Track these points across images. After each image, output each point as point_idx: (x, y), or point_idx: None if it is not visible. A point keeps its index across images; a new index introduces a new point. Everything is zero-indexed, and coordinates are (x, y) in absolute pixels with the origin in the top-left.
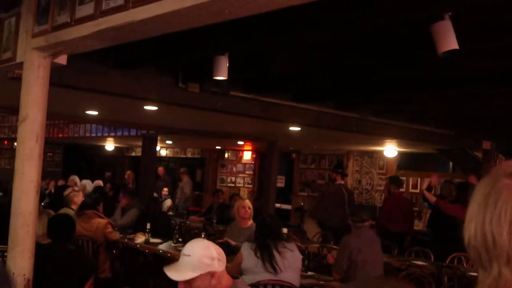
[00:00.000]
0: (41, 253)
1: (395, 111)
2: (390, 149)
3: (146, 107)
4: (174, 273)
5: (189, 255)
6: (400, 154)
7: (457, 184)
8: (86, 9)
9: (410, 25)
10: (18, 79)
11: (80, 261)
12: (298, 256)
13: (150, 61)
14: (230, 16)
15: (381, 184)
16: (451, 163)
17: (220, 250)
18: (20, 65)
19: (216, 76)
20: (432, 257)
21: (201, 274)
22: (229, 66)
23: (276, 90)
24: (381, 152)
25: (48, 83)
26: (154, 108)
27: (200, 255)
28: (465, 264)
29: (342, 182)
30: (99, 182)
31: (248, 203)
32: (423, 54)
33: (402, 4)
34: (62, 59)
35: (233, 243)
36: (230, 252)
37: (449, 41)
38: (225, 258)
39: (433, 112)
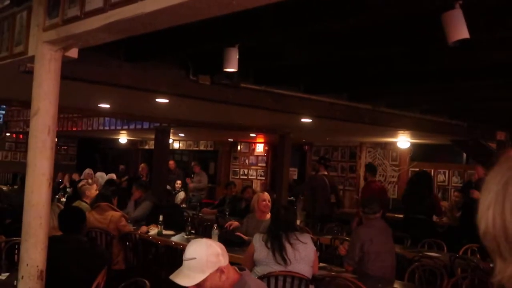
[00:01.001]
0: (53, 244)
1: (409, 102)
2: (403, 141)
3: (157, 100)
4: (184, 279)
5: (195, 258)
6: (413, 145)
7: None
8: (96, 2)
9: (423, 16)
10: (30, 72)
11: (92, 253)
12: (311, 248)
13: (160, 54)
14: (238, 7)
15: (394, 176)
16: (464, 154)
17: (221, 244)
18: (32, 58)
19: (226, 68)
20: (445, 248)
21: (210, 273)
22: (239, 58)
23: (288, 81)
24: (394, 144)
25: (60, 76)
26: (166, 100)
27: (206, 255)
28: (478, 256)
29: (325, 172)
30: (113, 176)
31: (267, 196)
32: (437, 45)
33: None
34: (73, 53)
35: (245, 237)
36: (243, 243)
37: (459, 31)
38: (226, 251)
39: (447, 103)
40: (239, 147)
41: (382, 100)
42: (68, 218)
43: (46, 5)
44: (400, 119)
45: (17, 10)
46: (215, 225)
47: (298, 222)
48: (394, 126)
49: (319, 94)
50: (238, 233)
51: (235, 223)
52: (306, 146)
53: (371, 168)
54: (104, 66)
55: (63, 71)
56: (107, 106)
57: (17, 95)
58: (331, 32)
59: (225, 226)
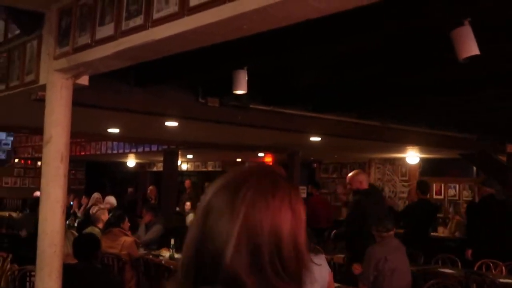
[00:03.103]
0: (68, 273)
1: (417, 117)
2: (412, 156)
3: (167, 123)
4: None
5: None
6: (423, 160)
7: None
8: (106, 30)
9: (429, 31)
10: (42, 100)
11: (106, 280)
12: (326, 270)
13: (170, 78)
14: (249, 32)
15: (404, 191)
16: (475, 168)
17: None
18: (43, 87)
19: (235, 91)
20: (460, 264)
21: None
22: (248, 80)
23: (296, 101)
24: (403, 159)
25: (71, 104)
26: (175, 123)
27: None
28: (493, 271)
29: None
30: (112, 199)
31: None
32: (443, 58)
33: (419, 12)
34: (84, 80)
35: None
36: None
37: (469, 47)
38: None
39: (455, 116)
40: None
41: (390, 116)
42: (83, 245)
43: (57, 34)
44: (409, 134)
45: (28, 39)
46: None
47: None
48: (403, 141)
49: (328, 112)
50: None
51: None
52: (315, 164)
53: (316, 185)
54: (114, 91)
55: (74, 98)
56: (117, 130)
57: (26, 122)
58: (339, 52)
59: None
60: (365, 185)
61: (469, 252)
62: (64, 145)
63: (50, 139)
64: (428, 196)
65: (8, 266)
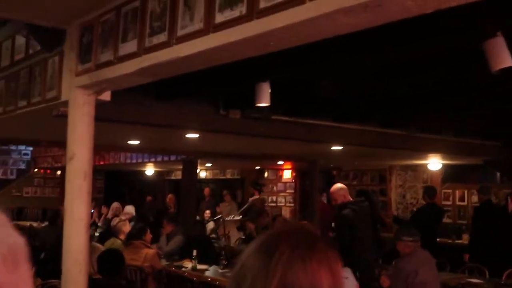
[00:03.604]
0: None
1: (441, 126)
2: (434, 162)
3: (187, 135)
4: None
5: None
6: (445, 166)
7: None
8: (129, 47)
9: (457, 43)
10: (64, 116)
11: None
12: (353, 282)
13: (191, 91)
14: (275, 48)
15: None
16: (498, 174)
17: None
18: (65, 103)
19: (258, 103)
20: (487, 273)
21: None
22: (270, 92)
23: (318, 111)
24: (424, 166)
25: (93, 120)
26: (196, 135)
27: None
28: None
29: (258, 196)
30: (131, 209)
31: None
32: (472, 71)
33: (448, 27)
34: (106, 96)
35: None
36: None
37: (503, 59)
38: None
39: (480, 125)
40: (266, 174)
41: (413, 125)
42: (107, 261)
43: (78, 50)
44: (432, 142)
45: (49, 55)
46: None
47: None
48: (426, 150)
49: (349, 122)
50: None
51: None
52: (335, 171)
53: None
54: (135, 105)
55: (95, 113)
56: (137, 142)
57: (46, 136)
58: (362, 63)
59: None
60: (348, 198)
61: (466, 256)
62: (87, 163)
63: (73, 157)
64: (435, 200)
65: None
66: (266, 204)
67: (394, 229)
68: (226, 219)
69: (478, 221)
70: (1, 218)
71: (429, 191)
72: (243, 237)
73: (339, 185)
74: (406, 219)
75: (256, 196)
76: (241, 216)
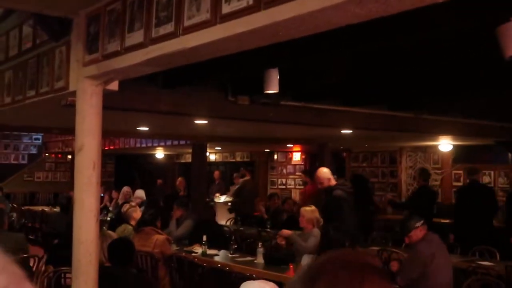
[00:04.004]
0: (103, 276)
1: (452, 108)
2: (445, 143)
3: (196, 121)
4: None
5: None
6: (455, 147)
7: None
8: (136, 37)
9: (469, 28)
10: (72, 106)
11: (142, 285)
12: None
13: (198, 78)
14: (284, 38)
15: (437, 179)
16: (510, 154)
17: (272, 284)
18: (73, 93)
19: (267, 90)
20: (498, 255)
21: None
22: (278, 78)
23: (327, 96)
24: (435, 147)
25: (102, 110)
26: (205, 122)
27: None
28: None
29: (249, 177)
30: (142, 193)
31: (301, 211)
32: (481, 55)
33: (463, 11)
34: (114, 85)
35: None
36: (290, 260)
37: None
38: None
39: (492, 106)
40: (275, 157)
41: (424, 108)
42: (119, 250)
43: (85, 40)
44: (443, 124)
45: (56, 45)
46: (260, 243)
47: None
48: (437, 132)
49: (359, 106)
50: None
51: (287, 232)
52: (345, 153)
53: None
54: (143, 93)
55: (104, 102)
56: (146, 128)
57: (57, 123)
58: (376, 51)
59: (277, 236)
60: (333, 181)
61: (451, 236)
62: (96, 153)
63: (82, 147)
64: (428, 183)
65: (43, 267)
66: (276, 186)
67: (389, 211)
68: (216, 201)
69: (462, 200)
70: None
71: (424, 173)
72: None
73: (324, 169)
74: (401, 202)
75: (247, 177)
76: (232, 198)
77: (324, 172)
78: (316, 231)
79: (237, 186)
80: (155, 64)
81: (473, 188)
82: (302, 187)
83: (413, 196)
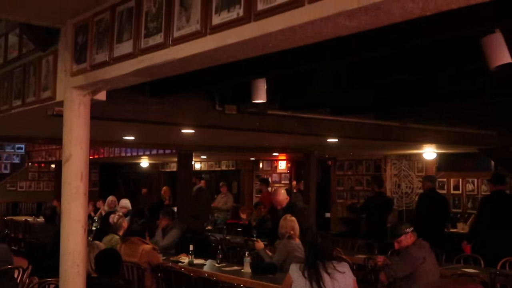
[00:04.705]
0: (90, 287)
1: (436, 117)
2: (429, 151)
3: (183, 131)
4: None
5: None
6: (439, 155)
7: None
8: (125, 48)
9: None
10: (59, 116)
11: None
12: (350, 277)
13: (186, 87)
14: (274, 49)
15: (421, 187)
16: (492, 162)
17: None
18: (61, 103)
19: (254, 100)
20: (482, 263)
21: None
22: (266, 87)
23: (314, 105)
24: (419, 155)
25: (89, 120)
26: (192, 131)
27: None
28: None
29: (202, 185)
30: (127, 202)
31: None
32: (465, 64)
33: (447, 22)
34: (102, 95)
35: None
36: (276, 271)
37: (501, 55)
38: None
39: (476, 115)
40: (261, 165)
41: (409, 117)
42: (106, 261)
43: (73, 50)
44: (428, 133)
45: (43, 55)
46: (247, 252)
47: None
48: (421, 141)
49: (346, 115)
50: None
51: (257, 245)
52: (330, 161)
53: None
54: (130, 103)
55: (91, 112)
56: (132, 138)
57: (42, 133)
58: (363, 61)
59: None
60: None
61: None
62: (83, 163)
63: (70, 158)
64: (383, 189)
65: (27, 280)
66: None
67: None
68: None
69: (421, 207)
70: None
71: (378, 180)
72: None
73: (282, 190)
74: (356, 208)
75: (200, 185)
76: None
77: (283, 193)
78: (282, 244)
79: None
80: (144, 74)
81: (431, 195)
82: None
83: (367, 202)
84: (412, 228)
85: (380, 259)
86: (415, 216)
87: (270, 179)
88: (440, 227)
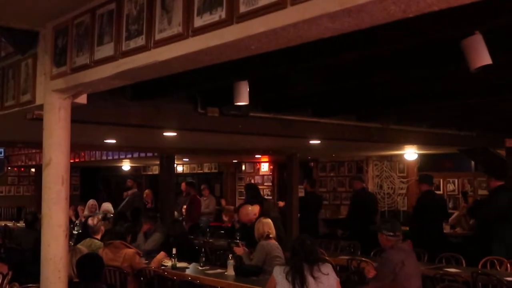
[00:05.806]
0: None
1: (417, 118)
2: (410, 152)
3: (165, 134)
4: None
5: None
6: (420, 156)
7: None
8: (106, 50)
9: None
10: (39, 119)
11: None
12: (334, 278)
13: (167, 90)
14: (256, 51)
15: (403, 187)
16: (473, 162)
17: None
18: (40, 107)
19: (237, 102)
20: (464, 262)
21: None
22: (249, 90)
23: (296, 107)
24: (401, 156)
25: (70, 124)
26: (174, 134)
27: None
28: (498, 268)
29: (137, 190)
30: (109, 206)
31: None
32: (448, 67)
33: (428, 24)
34: (82, 99)
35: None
36: (259, 273)
37: (481, 57)
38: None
39: (456, 116)
40: (243, 167)
41: (390, 118)
42: (87, 267)
43: (52, 53)
44: (409, 134)
45: (22, 58)
46: (230, 255)
47: None
48: (403, 142)
49: (328, 117)
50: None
51: (238, 250)
52: (312, 163)
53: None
54: (111, 106)
55: (71, 115)
56: (114, 141)
57: (21, 137)
58: (343, 62)
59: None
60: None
61: None
62: (64, 168)
63: (50, 162)
64: (314, 189)
65: (8, 286)
66: (244, 197)
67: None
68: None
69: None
70: None
71: (311, 180)
72: None
73: (249, 207)
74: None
75: (135, 190)
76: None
77: (250, 210)
78: (259, 245)
79: (126, 200)
80: (125, 77)
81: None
82: (270, 197)
83: (300, 202)
84: (392, 233)
85: (370, 271)
86: (412, 217)
87: (253, 181)
88: (440, 228)
